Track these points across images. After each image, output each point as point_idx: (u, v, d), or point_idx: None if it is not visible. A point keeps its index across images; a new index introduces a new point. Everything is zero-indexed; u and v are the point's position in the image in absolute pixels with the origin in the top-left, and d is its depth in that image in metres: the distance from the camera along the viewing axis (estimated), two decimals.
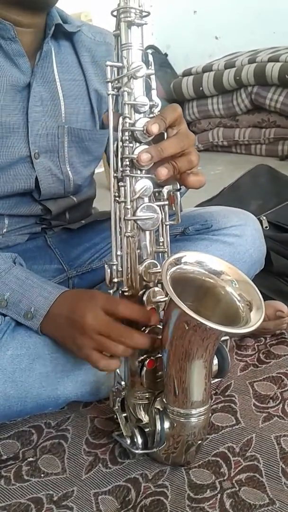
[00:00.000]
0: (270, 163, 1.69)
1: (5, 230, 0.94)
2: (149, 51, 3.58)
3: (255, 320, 0.63)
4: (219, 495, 0.72)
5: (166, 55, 3.68)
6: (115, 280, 0.72)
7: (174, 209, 0.73)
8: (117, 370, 0.75)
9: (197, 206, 1.37)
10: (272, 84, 2.71)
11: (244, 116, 2.90)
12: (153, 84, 0.71)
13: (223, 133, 3.00)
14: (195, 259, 0.70)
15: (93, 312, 0.72)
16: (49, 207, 0.96)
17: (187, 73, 3.12)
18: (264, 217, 1.34)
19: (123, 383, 0.77)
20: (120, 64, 0.69)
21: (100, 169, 0.98)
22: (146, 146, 0.69)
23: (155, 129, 0.66)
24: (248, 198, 1.47)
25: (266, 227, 1.32)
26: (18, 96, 0.86)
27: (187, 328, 0.63)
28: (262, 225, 1.30)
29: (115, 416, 0.80)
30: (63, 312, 0.76)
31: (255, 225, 1.02)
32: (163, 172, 0.67)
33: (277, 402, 0.89)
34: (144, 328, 0.72)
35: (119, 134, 0.68)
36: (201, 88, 3.01)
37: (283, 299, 1.12)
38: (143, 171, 0.70)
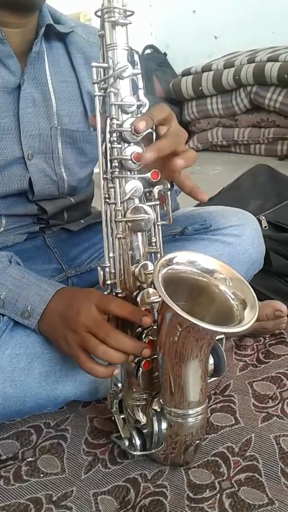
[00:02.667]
0: (269, 163, 1.69)
1: (2, 229, 0.94)
2: (148, 50, 3.59)
3: (249, 318, 0.63)
4: (218, 495, 0.72)
5: (165, 54, 3.68)
6: (108, 282, 0.72)
7: (165, 209, 0.73)
8: None
9: (196, 206, 1.37)
10: (271, 83, 2.71)
11: (243, 116, 2.90)
12: (140, 84, 0.71)
13: (222, 133, 3.01)
14: (187, 259, 0.69)
15: (87, 308, 0.71)
16: (45, 207, 0.96)
17: (186, 73, 3.12)
18: (263, 217, 1.34)
19: (120, 384, 0.77)
20: (106, 65, 0.69)
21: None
22: (136, 147, 0.69)
23: (142, 125, 0.66)
24: (247, 198, 1.47)
25: (265, 227, 1.32)
26: (9, 97, 0.86)
27: (180, 329, 0.63)
28: (261, 225, 1.30)
29: (113, 417, 0.80)
30: (58, 309, 0.76)
31: (254, 225, 1.02)
32: (141, 125, 0.66)
33: (276, 402, 0.89)
34: (139, 331, 0.72)
35: (107, 135, 0.68)
36: (200, 88, 3.01)
37: (282, 298, 1.12)
38: (133, 172, 0.70)
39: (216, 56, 3.19)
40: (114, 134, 0.68)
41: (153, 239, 0.74)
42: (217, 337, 0.73)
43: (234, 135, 2.94)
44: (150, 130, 0.70)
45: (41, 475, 0.78)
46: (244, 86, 2.83)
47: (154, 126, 0.70)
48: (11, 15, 0.81)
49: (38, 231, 1.01)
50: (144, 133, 0.69)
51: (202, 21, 3.48)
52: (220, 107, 2.98)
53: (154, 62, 3.52)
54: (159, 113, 0.69)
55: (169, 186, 0.73)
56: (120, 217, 0.70)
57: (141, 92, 0.70)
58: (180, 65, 3.38)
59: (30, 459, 0.81)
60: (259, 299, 1.11)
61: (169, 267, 0.67)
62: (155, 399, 0.73)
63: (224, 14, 3.35)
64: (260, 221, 1.30)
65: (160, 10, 3.67)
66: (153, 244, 0.74)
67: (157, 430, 0.71)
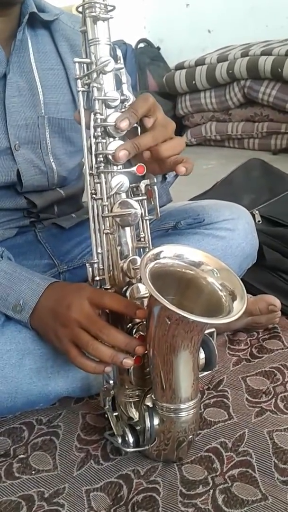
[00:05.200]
0: (263, 157, 1.68)
1: None
2: (142, 44, 3.57)
3: (238, 309, 0.63)
4: (211, 490, 0.71)
5: (158, 48, 3.67)
6: (97, 278, 0.72)
7: (152, 203, 0.73)
8: None
9: (189, 200, 1.36)
10: (264, 77, 2.70)
11: (237, 110, 2.89)
12: (123, 78, 0.71)
13: (216, 127, 3.00)
14: (174, 253, 0.69)
15: (79, 303, 0.71)
16: (34, 200, 0.95)
17: (180, 67, 3.10)
18: (257, 211, 1.34)
19: (111, 382, 0.76)
20: (88, 60, 0.68)
21: None
22: (120, 142, 0.68)
23: (124, 125, 0.66)
24: (241, 192, 1.46)
25: (259, 221, 1.31)
26: None
27: (169, 322, 0.62)
28: (254, 219, 1.29)
29: (106, 415, 0.79)
30: (49, 303, 0.75)
31: (247, 219, 1.02)
32: (124, 124, 0.67)
33: (270, 397, 0.89)
34: (130, 326, 0.71)
35: (92, 130, 0.68)
36: (194, 82, 2.99)
37: (275, 293, 1.11)
38: (118, 167, 0.70)
39: (210, 50, 3.17)
40: (99, 129, 0.68)
41: (142, 234, 0.74)
42: (208, 331, 0.72)
43: (227, 129, 2.93)
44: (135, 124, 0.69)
45: (33, 472, 0.78)
46: (237, 80, 2.81)
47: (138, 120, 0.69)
48: None
49: (29, 225, 1.00)
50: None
51: (196, 15, 3.46)
52: (214, 101, 2.97)
53: (147, 56, 3.51)
54: (142, 106, 0.68)
55: (155, 180, 0.72)
56: (106, 212, 0.69)
57: (124, 87, 0.70)
58: (173, 59, 3.37)
59: (22, 456, 0.81)
60: (253, 294, 1.11)
61: (156, 261, 0.67)
62: (148, 395, 0.73)
63: (218, 8, 3.34)
64: (253, 215, 1.30)
65: (153, 3, 3.65)
66: (142, 239, 0.74)
67: (149, 426, 0.70)
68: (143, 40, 3.61)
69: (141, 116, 0.69)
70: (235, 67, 2.78)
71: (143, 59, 3.44)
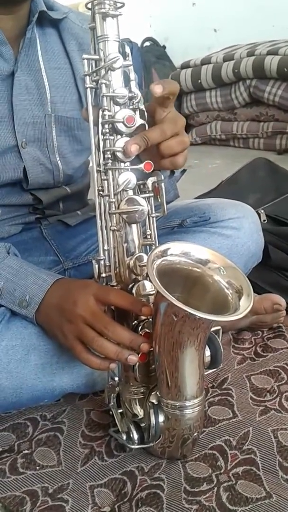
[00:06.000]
0: (268, 157, 1.67)
1: None
2: (147, 43, 3.57)
3: (244, 306, 0.63)
4: (215, 488, 0.71)
5: (164, 47, 3.67)
6: (103, 275, 0.72)
7: (159, 200, 0.73)
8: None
9: (195, 198, 1.36)
10: (270, 77, 2.69)
11: (242, 109, 2.88)
12: (132, 75, 0.71)
13: (221, 126, 2.99)
14: (181, 250, 0.69)
15: (84, 300, 0.71)
16: (40, 197, 0.95)
17: (185, 66, 3.10)
18: (262, 211, 1.33)
19: (116, 378, 0.76)
20: (97, 57, 0.69)
21: None
22: (128, 138, 0.68)
23: (159, 90, 0.66)
24: (246, 191, 1.46)
25: (264, 220, 1.31)
26: (2, 85, 0.85)
27: (175, 319, 0.62)
28: (260, 218, 1.29)
29: (110, 412, 0.79)
30: (55, 299, 0.76)
31: (253, 218, 1.01)
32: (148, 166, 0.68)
33: (274, 395, 0.89)
34: (135, 324, 0.72)
35: (100, 127, 0.68)
36: (199, 81, 2.99)
37: (280, 292, 1.11)
38: (126, 163, 0.70)
39: (216, 49, 3.17)
40: (106, 126, 0.68)
41: (148, 232, 0.74)
42: (214, 329, 0.73)
43: (233, 128, 2.93)
44: (143, 121, 0.70)
45: (37, 467, 0.78)
46: (243, 79, 2.81)
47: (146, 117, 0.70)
48: (2, 6, 0.81)
49: (34, 222, 1.00)
50: (137, 124, 0.68)
51: (202, 14, 3.46)
52: (219, 101, 2.96)
53: (153, 54, 3.51)
54: (170, 87, 0.68)
55: (162, 177, 0.72)
56: (113, 209, 0.70)
57: (133, 84, 0.70)
58: (179, 58, 3.36)
59: (26, 451, 0.81)
60: (258, 293, 1.11)
61: (163, 258, 0.67)
62: (153, 392, 0.73)
63: (224, 7, 3.34)
64: (259, 215, 1.30)
65: (159, 2, 3.65)
66: (148, 236, 0.74)
67: (154, 423, 0.70)
68: (148, 39, 3.61)
69: (166, 94, 0.67)
70: (241, 66, 2.77)
71: (149, 58, 3.45)
